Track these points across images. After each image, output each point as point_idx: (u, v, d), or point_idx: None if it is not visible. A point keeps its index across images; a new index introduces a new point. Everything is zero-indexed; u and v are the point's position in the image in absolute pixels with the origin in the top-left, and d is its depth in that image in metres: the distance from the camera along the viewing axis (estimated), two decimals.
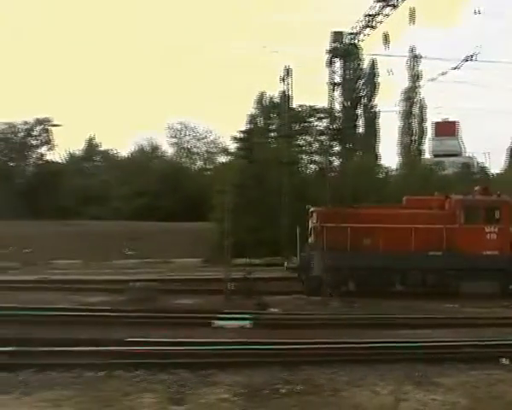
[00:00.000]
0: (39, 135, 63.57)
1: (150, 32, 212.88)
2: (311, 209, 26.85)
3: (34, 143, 63.76)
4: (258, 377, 10.98)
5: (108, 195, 59.12)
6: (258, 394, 10.07)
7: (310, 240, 26.38)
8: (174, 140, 73.58)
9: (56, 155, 68.23)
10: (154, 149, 71.89)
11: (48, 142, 63.77)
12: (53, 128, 63.33)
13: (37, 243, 40.91)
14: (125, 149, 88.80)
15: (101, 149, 72.30)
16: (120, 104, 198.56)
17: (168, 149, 73.87)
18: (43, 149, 64.16)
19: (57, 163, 66.09)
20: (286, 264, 27.54)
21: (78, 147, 72.06)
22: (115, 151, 72.33)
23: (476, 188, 27.76)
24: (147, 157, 69.46)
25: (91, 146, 71.93)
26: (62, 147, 77.04)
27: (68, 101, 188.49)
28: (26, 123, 63.09)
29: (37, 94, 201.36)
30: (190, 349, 12.77)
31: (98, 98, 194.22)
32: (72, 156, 70.33)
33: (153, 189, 57.00)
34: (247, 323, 16.75)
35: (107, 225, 47.98)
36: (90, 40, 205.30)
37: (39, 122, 63.22)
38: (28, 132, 63.25)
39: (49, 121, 62.82)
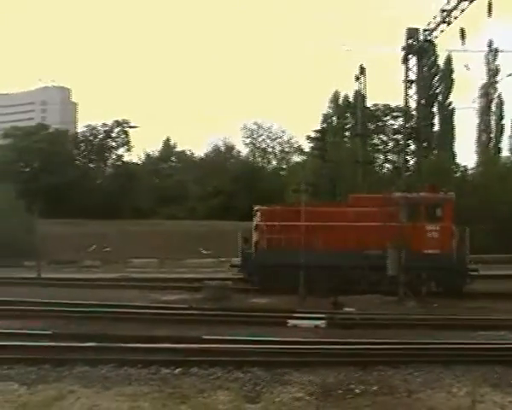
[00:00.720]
0: (118, 137, 65.16)
1: (225, 34, 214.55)
2: (256, 208, 27.02)
3: (113, 144, 65.37)
4: (333, 376, 10.97)
5: (184, 195, 60.00)
6: (332, 393, 10.06)
7: (253, 238, 26.25)
8: (249, 140, 74.06)
9: (134, 156, 69.81)
10: (229, 149, 72.51)
11: (126, 143, 65.31)
12: (131, 130, 64.81)
13: (116, 242, 41.92)
14: (200, 150, 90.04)
15: (178, 149, 73.46)
16: (196, 105, 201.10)
17: (243, 149, 74.42)
18: (121, 151, 65.78)
19: (135, 164, 67.54)
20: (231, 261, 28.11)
21: (155, 148, 73.45)
22: (191, 152, 73.35)
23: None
24: (222, 157, 70.13)
25: (168, 147, 73.18)
26: (140, 148, 78.71)
27: (146, 103, 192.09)
28: (105, 125, 64.76)
29: (116, 97, 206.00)
30: (266, 348, 12.85)
31: (175, 100, 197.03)
32: (149, 157, 71.70)
33: (228, 188, 57.52)
34: (321, 322, 16.75)
35: (183, 224, 48.72)
36: (167, 43, 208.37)
37: (118, 124, 64.78)
38: (107, 134, 64.92)
39: (127, 123, 64.34)
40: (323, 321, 16.81)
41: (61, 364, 11.29)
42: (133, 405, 9.07)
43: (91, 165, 65.52)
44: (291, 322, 16.65)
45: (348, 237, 24.72)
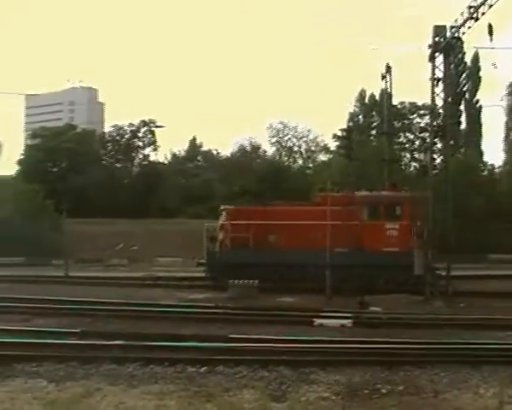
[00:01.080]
0: (144, 136, 65.51)
1: (251, 33, 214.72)
2: (221, 208, 27.89)
3: (139, 144, 65.74)
4: (359, 376, 10.93)
5: (210, 194, 60.05)
6: (358, 393, 10.02)
7: (219, 237, 26.71)
8: (275, 139, 73.93)
9: (160, 155, 70.09)
10: (255, 148, 72.44)
11: (152, 143, 65.65)
12: (157, 129, 65.10)
13: (143, 241, 42.18)
14: (226, 149, 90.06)
15: (203, 149, 73.57)
16: (222, 105, 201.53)
17: (269, 149, 74.33)
18: (147, 150, 66.14)
19: (161, 164, 67.83)
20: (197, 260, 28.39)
21: (182, 147, 73.68)
22: (217, 151, 73.44)
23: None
24: (248, 157, 70.08)
25: (194, 147, 73.31)
26: (166, 148, 78.99)
27: (172, 102, 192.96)
28: (131, 125, 65.15)
29: (143, 97, 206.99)
30: (291, 347, 12.84)
31: (201, 100, 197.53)
32: (175, 157, 71.93)
33: (254, 188, 57.45)
34: (347, 321, 16.71)
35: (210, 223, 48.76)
36: (194, 43, 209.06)
37: (144, 124, 65.14)
38: (134, 134, 65.30)
39: (153, 123, 64.61)
40: (350, 320, 16.78)
41: (89, 362, 11.40)
42: (159, 403, 9.12)
43: (118, 165, 65.98)
44: (317, 321, 16.63)
45: (310, 235, 24.92)
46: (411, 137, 59.77)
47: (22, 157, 64.76)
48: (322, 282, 23.14)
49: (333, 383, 10.51)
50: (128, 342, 12.88)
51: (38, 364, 11.27)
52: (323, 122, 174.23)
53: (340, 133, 59.53)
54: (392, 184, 28.00)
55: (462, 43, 30.59)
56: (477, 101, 61.04)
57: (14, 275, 29.31)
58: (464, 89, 60.66)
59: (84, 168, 57.49)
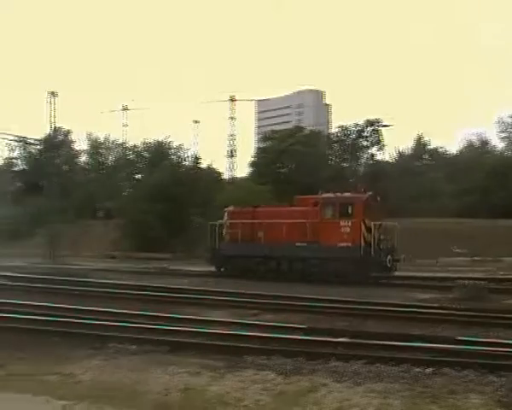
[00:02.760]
0: (370, 136, 65.53)
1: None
2: (224, 209, 33.56)
3: (365, 143, 65.89)
4: None
5: (435, 192, 58.61)
6: None
7: (223, 234, 32.50)
8: (504, 134, 70.23)
9: (386, 154, 69.69)
10: (484, 144, 69.40)
11: (378, 142, 65.47)
12: (383, 128, 64.82)
13: None
14: (453, 146, 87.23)
15: (430, 147, 71.92)
16: (451, 100, 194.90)
17: (498, 144, 70.83)
18: (373, 150, 66.09)
19: (387, 162, 67.40)
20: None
21: (408, 146, 72.63)
22: (444, 149, 71.41)
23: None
24: (476, 153, 67.37)
25: (420, 144, 71.95)
26: (392, 146, 78.27)
27: (398, 100, 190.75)
28: (357, 125, 65.51)
29: (369, 96, 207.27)
30: None
31: (427, 96, 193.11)
32: (401, 155, 71.12)
33: (482, 185, 55.14)
34: None
35: (433, 222, 47.61)
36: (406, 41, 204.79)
37: (370, 123, 65.17)
38: (359, 134, 65.58)
39: (379, 122, 64.42)
40: None
41: (315, 357, 11.69)
42: (383, 402, 9.10)
43: (344, 165, 66.65)
44: None
45: (282, 232, 29.72)
46: None
47: (254, 159, 68.05)
48: (289, 271, 29.32)
49: None
50: (353, 340, 13.01)
51: (267, 357, 11.79)
52: None
53: None
54: (358, 186, 32.09)
55: None
56: None
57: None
58: None
59: (311, 169, 58.82)
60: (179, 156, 63.04)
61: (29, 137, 59.00)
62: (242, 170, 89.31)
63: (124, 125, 73.07)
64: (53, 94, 57.06)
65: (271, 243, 29.97)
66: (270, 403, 9.16)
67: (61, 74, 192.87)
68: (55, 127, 59.82)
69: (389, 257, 28.22)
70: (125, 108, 73.84)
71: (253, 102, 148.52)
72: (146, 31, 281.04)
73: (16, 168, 75.19)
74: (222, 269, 32.27)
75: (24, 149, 71.31)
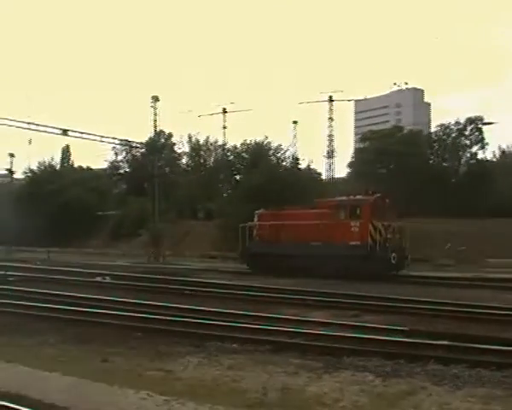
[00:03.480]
0: (471, 134, 63.75)
1: None
2: (256, 212, 36.59)
3: (466, 142, 64.15)
4: None
5: None
6: None
7: (253, 234, 35.89)
8: None
9: (489, 153, 67.57)
10: None
11: (480, 141, 63.59)
12: (485, 127, 62.94)
13: (473, 241, 41.03)
14: None
15: None
16: None
17: None
18: (475, 149, 64.25)
19: (489, 161, 65.40)
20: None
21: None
22: None
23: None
24: None
25: None
26: (495, 145, 75.85)
27: (501, 98, 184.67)
28: (458, 123, 63.88)
29: (467, 95, 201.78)
30: None
31: None
32: (504, 154, 68.89)
33: None
34: None
35: None
36: None
37: (471, 122, 63.41)
38: (460, 132, 63.90)
39: (480, 120, 62.61)
40: None
41: (414, 360, 11.58)
42: (485, 407, 8.91)
43: (445, 164, 65.10)
44: None
45: (299, 232, 32.84)
46: None
47: (352, 160, 67.62)
48: (304, 268, 31.49)
49: None
50: (454, 343, 12.78)
51: (366, 358, 11.78)
52: None
53: None
54: (366, 190, 33.17)
55: None
56: None
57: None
58: None
59: (411, 169, 57.84)
60: (278, 157, 63.41)
61: (133, 140, 60.78)
62: (341, 170, 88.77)
63: (223, 128, 73.93)
64: (155, 98, 58.71)
65: (291, 243, 33.19)
66: (367, 405, 9.16)
67: (163, 78, 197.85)
68: (157, 131, 61.49)
69: (394, 254, 30.67)
70: (225, 111, 74.59)
71: (352, 102, 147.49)
72: (244, 34, 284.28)
73: (121, 171, 77.78)
74: (249, 265, 36.08)
75: (128, 152, 73.64)
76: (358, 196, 32.57)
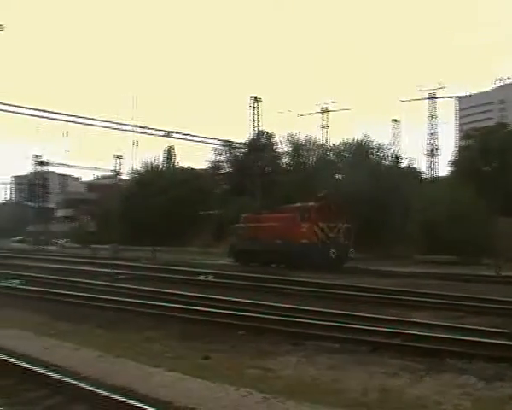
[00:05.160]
0: None
1: None
2: (242, 215, 45.43)
3: None
4: None
5: None
6: None
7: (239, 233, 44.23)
8: None
9: None
10: None
11: None
12: None
13: None
14: None
15: None
16: None
17: None
18: None
19: None
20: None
21: None
22: None
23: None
24: None
25: None
26: None
27: None
28: None
29: None
30: None
31: None
32: None
33: None
34: None
35: None
36: None
37: None
38: None
39: None
40: None
41: None
42: None
43: None
44: None
45: (268, 232, 40.22)
46: None
47: (455, 158, 65.95)
48: (271, 262, 40.23)
49: None
50: None
51: (469, 361, 11.55)
52: None
53: None
54: (317, 196, 40.12)
55: None
56: None
57: (446, 273, 30.25)
58: None
59: None
60: (379, 156, 62.68)
61: (234, 141, 61.72)
62: (443, 169, 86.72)
63: (323, 127, 73.66)
64: (256, 99, 59.36)
65: (263, 241, 40.57)
66: (469, 409, 9.01)
67: (263, 78, 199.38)
68: (258, 131, 62.10)
69: (333, 250, 37.24)
70: (325, 111, 74.35)
71: (454, 99, 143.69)
72: (343, 33, 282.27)
73: (222, 171, 79.02)
74: (236, 260, 44.30)
75: (229, 152, 74.70)
76: (310, 203, 39.31)
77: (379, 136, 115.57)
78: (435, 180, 69.03)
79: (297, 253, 37.36)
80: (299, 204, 40.43)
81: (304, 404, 9.00)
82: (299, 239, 37.93)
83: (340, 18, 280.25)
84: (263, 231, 40.99)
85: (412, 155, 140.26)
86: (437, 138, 72.51)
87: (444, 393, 9.69)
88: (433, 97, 71.76)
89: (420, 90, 72.36)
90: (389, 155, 63.93)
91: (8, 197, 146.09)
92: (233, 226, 45.59)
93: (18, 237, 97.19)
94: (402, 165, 63.46)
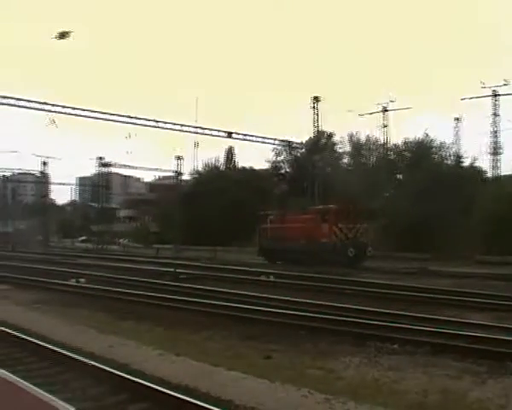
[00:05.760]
0: None
1: None
2: (269, 217, 47.54)
3: None
4: None
5: None
6: None
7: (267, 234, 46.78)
8: None
9: None
10: None
11: None
12: None
13: None
14: None
15: None
16: None
17: None
18: None
19: None
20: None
21: None
22: None
23: None
24: None
25: None
26: None
27: None
28: None
29: None
30: None
31: None
32: None
33: None
34: None
35: None
36: None
37: None
38: None
39: None
40: None
41: None
42: None
43: None
44: None
45: (292, 233, 42.29)
46: None
47: None
48: (298, 259, 40.49)
49: None
50: None
51: None
52: None
53: None
54: (338, 199, 43.20)
55: None
56: None
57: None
58: None
59: None
60: (441, 155, 61.66)
61: (293, 141, 61.63)
62: (508, 168, 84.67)
63: (384, 126, 72.75)
64: (316, 99, 59.21)
65: (288, 241, 42.54)
66: None
67: (323, 78, 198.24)
68: (318, 131, 61.90)
69: (350, 249, 38.83)
70: (385, 110, 73.42)
71: None
72: (403, 34, 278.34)
73: (282, 171, 78.97)
74: (264, 257, 46.32)
75: (289, 152, 74.61)
76: (330, 205, 42.28)
77: (440, 134, 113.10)
78: (498, 179, 67.29)
79: (317, 251, 39.38)
80: (320, 206, 44.56)
81: (365, 405, 9.00)
82: (320, 239, 40.37)
83: (400, 17, 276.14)
84: (288, 232, 43.04)
85: (474, 153, 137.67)
86: (500, 136, 70.40)
87: (507, 397, 9.56)
88: (496, 94, 70.00)
89: (483, 87, 70.55)
90: (451, 153, 62.79)
91: (72, 198, 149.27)
92: (260, 227, 48.33)
93: (82, 237, 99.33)
94: (464, 164, 62.16)
